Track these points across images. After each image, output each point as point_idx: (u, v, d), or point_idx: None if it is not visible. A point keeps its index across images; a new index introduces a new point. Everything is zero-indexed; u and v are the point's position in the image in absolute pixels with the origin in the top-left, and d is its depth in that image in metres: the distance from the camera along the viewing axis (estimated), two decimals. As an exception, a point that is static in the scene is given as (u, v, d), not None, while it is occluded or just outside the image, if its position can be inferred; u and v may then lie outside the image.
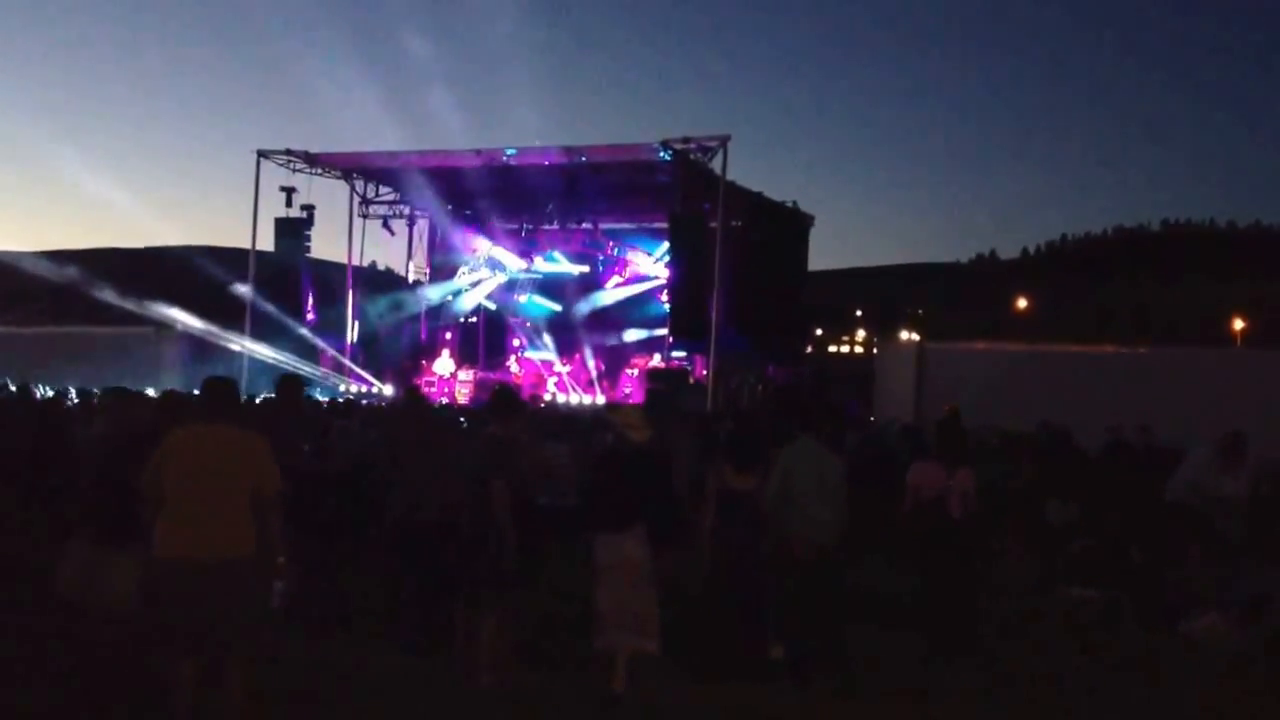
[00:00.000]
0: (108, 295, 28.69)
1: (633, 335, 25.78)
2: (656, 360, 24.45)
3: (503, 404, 7.02)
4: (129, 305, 27.87)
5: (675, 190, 22.32)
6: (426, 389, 21.51)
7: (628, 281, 26.14)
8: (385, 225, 26.99)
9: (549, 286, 27.35)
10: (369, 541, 8.54)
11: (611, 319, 26.05)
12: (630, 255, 26.12)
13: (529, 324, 27.31)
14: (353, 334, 26.58)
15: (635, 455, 6.64)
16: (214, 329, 25.29)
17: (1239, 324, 75.66)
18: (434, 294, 27.66)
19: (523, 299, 27.61)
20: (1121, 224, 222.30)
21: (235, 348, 24.60)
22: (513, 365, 26.53)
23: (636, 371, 24.32)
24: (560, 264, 27.14)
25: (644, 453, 6.68)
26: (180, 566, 5.09)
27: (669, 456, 7.81)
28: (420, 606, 7.30)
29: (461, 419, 14.96)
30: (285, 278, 25.60)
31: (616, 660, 6.33)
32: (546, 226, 26.34)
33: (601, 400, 22.57)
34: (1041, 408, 14.66)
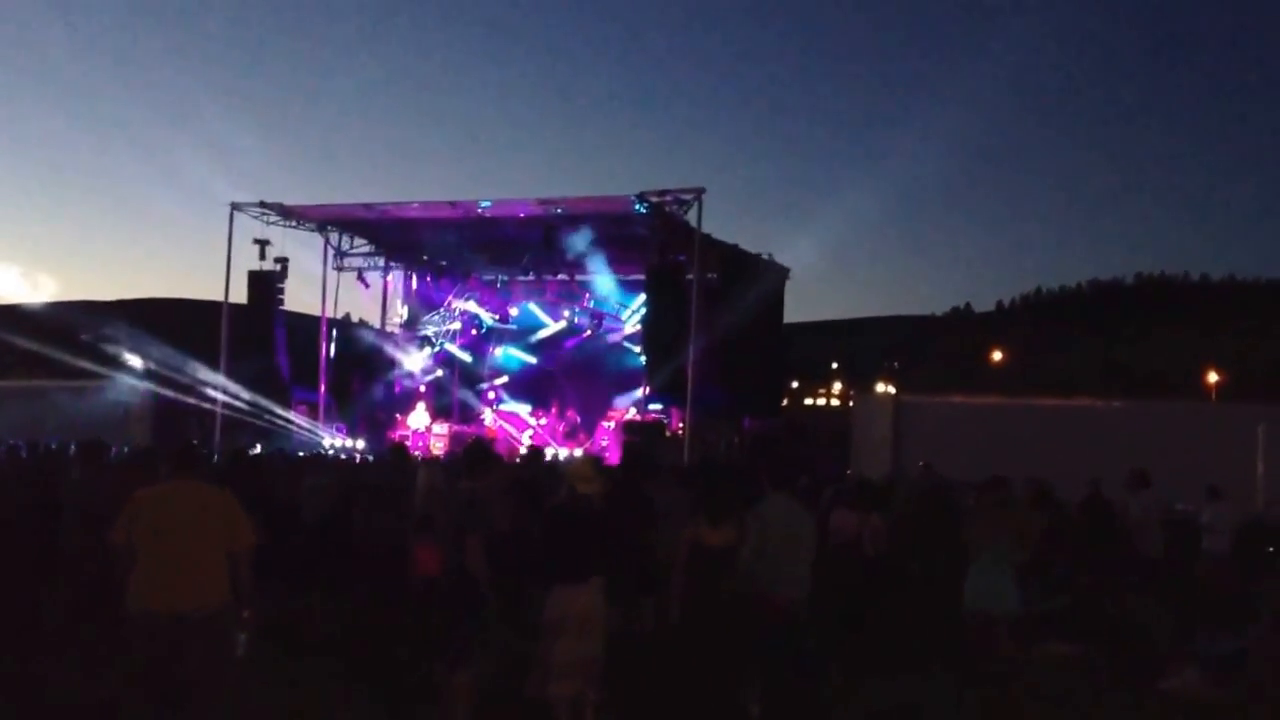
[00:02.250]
0: (76, 349, 28.40)
1: (609, 388, 25.65)
2: (633, 413, 24.32)
3: (476, 458, 6.95)
4: (97, 359, 27.57)
5: (651, 242, 22.38)
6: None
7: (603, 334, 26.08)
8: (360, 278, 26.86)
9: (525, 339, 27.29)
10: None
11: (587, 371, 25.95)
12: (606, 307, 26.09)
13: (505, 376, 27.20)
14: (326, 387, 26.28)
15: (585, 508, 6.54)
16: (187, 381, 24.95)
17: (1213, 377, 76.17)
18: (408, 346, 27.49)
19: (498, 351, 27.52)
20: (1096, 277, 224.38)
21: (207, 405, 24.24)
22: (488, 418, 26.35)
23: (613, 424, 24.18)
24: (536, 316, 27.09)
25: (594, 505, 6.59)
26: (149, 619, 5.15)
27: (629, 510, 7.71)
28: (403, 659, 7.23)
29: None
30: (258, 331, 25.27)
31: (558, 708, 6.21)
32: (522, 278, 26.31)
33: (579, 453, 22.40)
34: (1017, 461, 14.59)
